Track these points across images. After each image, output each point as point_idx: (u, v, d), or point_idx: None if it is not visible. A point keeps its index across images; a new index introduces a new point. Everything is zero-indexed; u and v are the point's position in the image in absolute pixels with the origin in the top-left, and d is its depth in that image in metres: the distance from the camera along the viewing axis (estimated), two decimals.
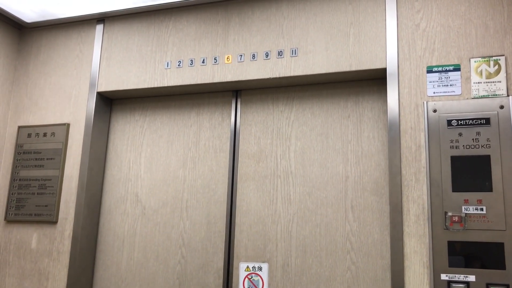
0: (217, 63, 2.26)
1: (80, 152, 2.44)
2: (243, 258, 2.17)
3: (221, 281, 2.19)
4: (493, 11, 1.86)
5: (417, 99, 1.89)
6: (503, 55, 1.81)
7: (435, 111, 1.84)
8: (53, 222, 2.42)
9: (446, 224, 1.74)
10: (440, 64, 1.89)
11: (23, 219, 2.48)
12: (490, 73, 1.81)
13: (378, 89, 2.11)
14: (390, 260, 1.83)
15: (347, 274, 2.01)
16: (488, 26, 1.85)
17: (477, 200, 1.72)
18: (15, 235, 2.50)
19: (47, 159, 2.50)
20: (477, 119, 1.78)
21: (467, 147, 1.77)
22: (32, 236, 2.46)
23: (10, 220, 2.52)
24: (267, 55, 2.18)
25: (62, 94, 2.57)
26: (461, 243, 1.71)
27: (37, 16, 2.59)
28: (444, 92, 1.86)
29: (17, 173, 2.55)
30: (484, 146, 1.75)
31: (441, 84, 1.86)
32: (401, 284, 1.77)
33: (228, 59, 2.24)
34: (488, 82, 1.80)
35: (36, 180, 2.50)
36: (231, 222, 2.23)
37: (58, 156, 2.47)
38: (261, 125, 2.28)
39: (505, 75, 1.79)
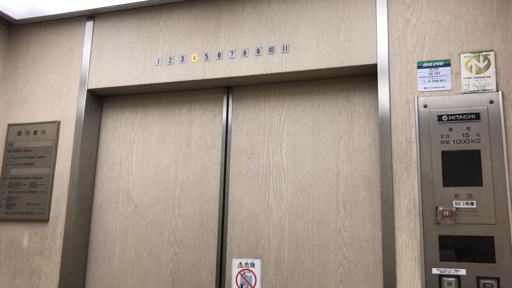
0: (208, 59, 2.26)
1: (71, 150, 2.43)
2: (236, 254, 2.18)
3: (214, 277, 2.20)
4: (483, 7, 1.87)
5: (408, 95, 1.90)
6: (493, 50, 1.82)
7: (425, 106, 1.85)
8: (45, 220, 2.40)
9: (437, 218, 1.75)
10: (431, 59, 1.90)
11: (14, 218, 2.47)
12: (480, 68, 1.82)
13: (369, 85, 2.12)
14: (382, 254, 1.84)
15: (339, 269, 2.02)
16: (477, 21, 1.86)
17: (468, 195, 1.73)
18: (6, 234, 2.48)
19: (38, 157, 2.48)
20: (467, 114, 1.79)
21: (458, 142, 1.78)
22: (24, 235, 2.44)
23: (1, 218, 2.50)
24: (258, 52, 2.18)
25: (52, 92, 2.55)
26: (452, 237, 1.73)
27: (26, 13, 2.57)
28: (434, 87, 1.87)
29: (8, 172, 2.53)
30: (474, 141, 1.76)
31: (431, 80, 1.87)
32: (393, 279, 1.78)
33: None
34: (478, 77, 1.81)
35: (27, 178, 2.48)
36: (223, 219, 2.23)
37: (49, 154, 2.46)
38: (253, 122, 2.28)
39: (494, 70, 1.80)
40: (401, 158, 1.86)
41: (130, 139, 2.50)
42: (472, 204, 1.72)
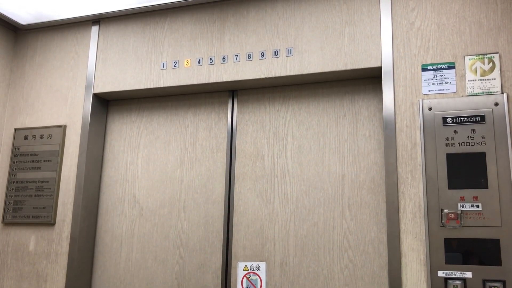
0: (213, 63, 2.27)
1: (77, 154, 2.44)
2: (241, 257, 2.18)
3: (219, 281, 2.20)
4: (487, 9, 1.87)
5: (412, 97, 1.90)
6: (497, 53, 1.82)
7: (430, 109, 1.85)
8: (51, 224, 2.42)
9: (443, 221, 1.75)
10: (435, 62, 1.90)
11: (21, 222, 2.48)
12: (484, 71, 1.82)
13: (373, 87, 2.12)
14: (387, 257, 1.84)
15: (345, 272, 2.01)
16: (482, 24, 1.86)
17: (473, 197, 1.73)
18: (13, 238, 2.50)
19: (44, 161, 2.50)
20: (472, 116, 1.79)
21: (463, 144, 1.78)
22: (30, 238, 2.46)
23: (7, 222, 2.52)
24: (262, 55, 2.18)
25: (58, 96, 2.57)
26: (457, 240, 1.72)
27: (32, 18, 2.58)
28: (439, 90, 1.87)
29: (14, 176, 2.55)
30: (479, 143, 1.76)
31: (436, 82, 1.87)
32: (398, 282, 1.78)
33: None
34: (483, 80, 1.81)
35: (33, 182, 2.50)
36: (228, 222, 2.24)
37: (55, 158, 2.47)
38: (257, 125, 2.28)
39: (499, 72, 1.80)
40: (406, 160, 1.86)
41: (135, 143, 2.51)
42: (477, 206, 1.72)
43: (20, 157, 2.56)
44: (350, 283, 2.00)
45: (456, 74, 1.86)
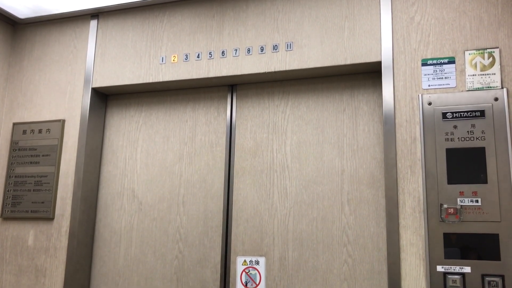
0: (212, 57, 2.26)
1: (76, 148, 2.44)
2: (240, 252, 2.18)
3: (218, 275, 2.20)
4: (487, 4, 1.86)
5: (412, 92, 1.89)
6: (497, 47, 1.81)
7: (430, 103, 1.85)
8: (50, 218, 2.42)
9: (442, 216, 1.75)
10: (435, 57, 1.89)
11: (20, 216, 2.48)
12: (484, 66, 1.81)
13: (373, 82, 2.12)
14: (387, 252, 1.84)
15: (344, 267, 2.02)
16: (482, 18, 1.86)
17: (472, 192, 1.73)
18: (12, 232, 2.50)
19: (43, 155, 2.49)
20: (472, 111, 1.79)
21: (462, 139, 1.78)
22: (29, 233, 2.46)
23: (6, 217, 2.51)
24: (262, 50, 2.18)
25: (57, 90, 2.56)
26: (456, 235, 1.72)
27: (31, 12, 2.57)
28: (439, 84, 1.86)
29: (13, 170, 2.55)
30: (479, 138, 1.76)
31: (436, 77, 1.87)
32: (397, 276, 1.78)
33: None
34: (483, 75, 1.81)
35: (32, 176, 2.49)
36: (227, 217, 2.24)
37: (54, 153, 2.47)
38: (257, 120, 2.28)
39: (499, 67, 1.79)
40: (406, 155, 1.86)
41: (134, 138, 2.51)
42: (477, 201, 1.72)
43: (19, 151, 2.56)
44: (349, 278, 2.00)
45: (456, 69, 1.85)
